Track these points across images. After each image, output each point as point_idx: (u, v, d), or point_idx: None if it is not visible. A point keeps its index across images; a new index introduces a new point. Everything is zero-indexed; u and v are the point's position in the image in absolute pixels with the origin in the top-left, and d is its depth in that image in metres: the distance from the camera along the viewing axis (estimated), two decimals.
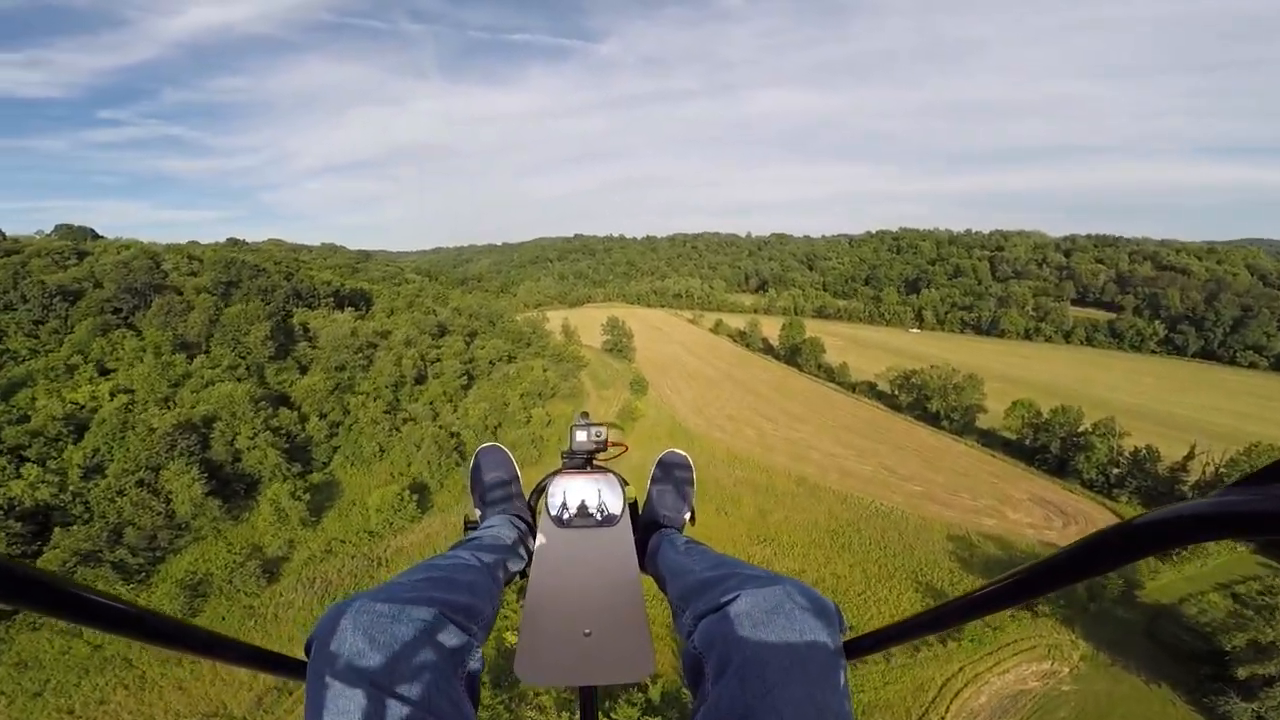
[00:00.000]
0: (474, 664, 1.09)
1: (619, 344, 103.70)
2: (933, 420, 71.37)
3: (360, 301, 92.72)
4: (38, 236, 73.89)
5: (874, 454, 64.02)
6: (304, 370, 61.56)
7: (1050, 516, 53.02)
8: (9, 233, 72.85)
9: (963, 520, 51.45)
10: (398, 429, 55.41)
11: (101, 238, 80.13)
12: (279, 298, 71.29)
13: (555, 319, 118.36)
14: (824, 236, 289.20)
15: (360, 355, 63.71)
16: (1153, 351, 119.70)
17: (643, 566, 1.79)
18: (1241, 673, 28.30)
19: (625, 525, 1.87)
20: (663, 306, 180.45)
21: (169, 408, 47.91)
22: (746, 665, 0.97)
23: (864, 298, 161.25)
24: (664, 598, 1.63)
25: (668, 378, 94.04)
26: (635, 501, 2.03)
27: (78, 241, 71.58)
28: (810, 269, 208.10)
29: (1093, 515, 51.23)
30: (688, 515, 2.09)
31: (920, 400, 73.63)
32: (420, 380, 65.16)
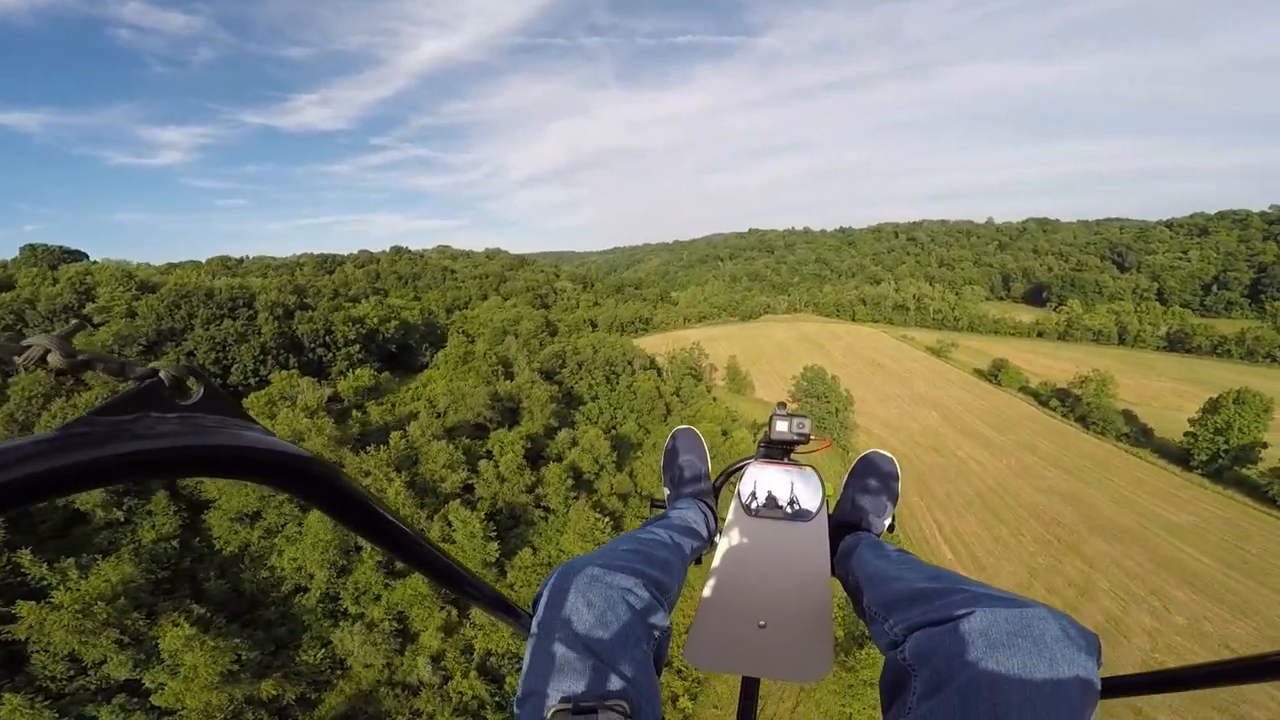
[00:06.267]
0: (660, 634, 1.13)
1: (829, 413, 58.66)
2: None
3: (432, 343, 63.17)
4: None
5: None
6: (195, 510, 30.48)
7: None
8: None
9: None
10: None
11: (81, 259, 60.24)
12: (246, 356, 42.53)
13: (720, 343, 79.23)
14: (1105, 220, 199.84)
15: None
16: None
17: (830, 568, 1.70)
18: None
19: (820, 523, 1.77)
20: (876, 322, 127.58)
21: None
22: (973, 688, 0.85)
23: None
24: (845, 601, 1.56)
25: (937, 507, 46.78)
26: (827, 500, 1.91)
27: (17, 269, 50.93)
28: (1121, 268, 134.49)
29: None
30: (888, 523, 1.95)
31: None
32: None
